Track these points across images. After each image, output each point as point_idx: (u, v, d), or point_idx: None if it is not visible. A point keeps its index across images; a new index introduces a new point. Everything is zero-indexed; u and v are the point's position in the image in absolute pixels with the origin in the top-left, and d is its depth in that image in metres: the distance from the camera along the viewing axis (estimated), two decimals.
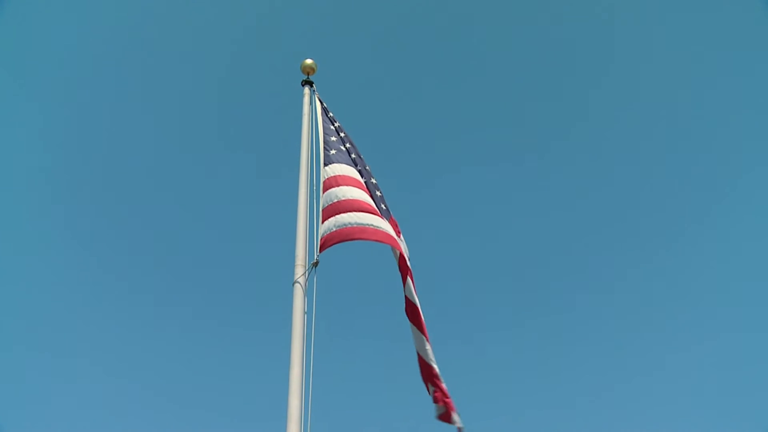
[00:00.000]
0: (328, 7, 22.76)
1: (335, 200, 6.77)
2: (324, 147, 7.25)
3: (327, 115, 7.72)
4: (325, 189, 6.86)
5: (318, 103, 7.77)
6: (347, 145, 7.51)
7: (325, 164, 7.09)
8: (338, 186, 6.90)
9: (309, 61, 8.01)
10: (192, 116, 21.95)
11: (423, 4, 23.26)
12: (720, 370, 17.34)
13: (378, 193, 7.25)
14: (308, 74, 7.95)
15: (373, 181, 7.38)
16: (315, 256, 6.40)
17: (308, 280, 6.39)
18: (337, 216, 6.63)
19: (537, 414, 17.42)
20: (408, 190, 21.80)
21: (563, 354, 19.26)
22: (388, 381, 18.24)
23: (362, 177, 7.25)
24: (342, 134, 7.64)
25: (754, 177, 19.39)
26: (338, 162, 7.16)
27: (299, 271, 6.43)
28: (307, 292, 6.34)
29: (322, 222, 6.61)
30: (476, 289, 20.90)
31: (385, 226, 6.75)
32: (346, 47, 23.14)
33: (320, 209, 6.74)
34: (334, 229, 6.52)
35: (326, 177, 6.98)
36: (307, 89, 7.87)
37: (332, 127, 7.62)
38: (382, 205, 7.15)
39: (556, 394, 18.08)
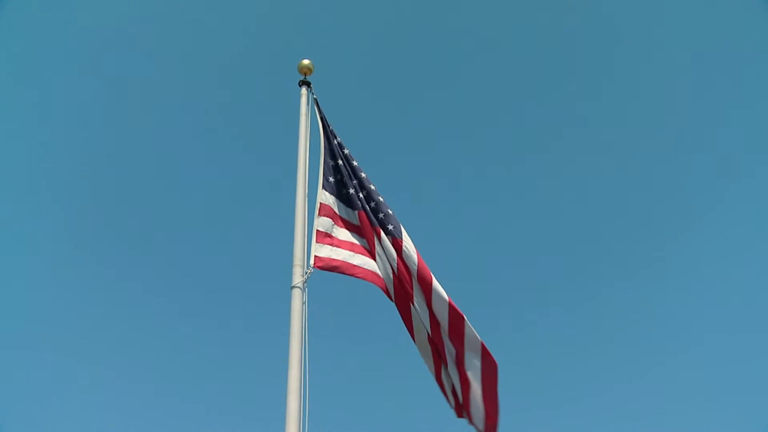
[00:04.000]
0: (326, 6, 22.78)
1: (332, 233, 6.94)
2: (324, 165, 7.30)
3: (328, 129, 7.61)
4: (321, 214, 6.93)
5: (317, 112, 7.70)
6: (348, 170, 7.41)
7: (324, 188, 7.14)
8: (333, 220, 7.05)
9: (306, 62, 7.99)
10: (188, 116, 21.98)
11: (423, 3, 23.27)
12: (720, 370, 17.37)
13: (377, 202, 7.26)
14: (305, 75, 7.93)
15: (373, 186, 7.38)
16: (309, 265, 6.50)
17: (306, 281, 6.42)
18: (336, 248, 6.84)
19: (536, 414, 17.45)
20: (406, 191, 21.81)
21: (562, 354, 19.30)
22: (388, 382, 18.27)
23: (361, 204, 7.24)
24: (345, 152, 7.53)
25: (755, 177, 19.43)
26: (333, 194, 7.23)
27: (297, 272, 6.45)
28: (305, 293, 6.36)
29: (317, 241, 6.72)
30: (477, 290, 20.92)
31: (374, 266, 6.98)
32: (344, 47, 23.16)
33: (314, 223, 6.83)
34: (338, 259, 6.75)
35: (324, 201, 7.05)
36: (304, 90, 7.84)
37: (332, 146, 7.52)
38: (381, 214, 7.15)
39: (556, 394, 18.12)
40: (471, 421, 6.70)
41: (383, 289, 6.92)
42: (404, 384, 17.58)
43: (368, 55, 23.38)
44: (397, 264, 6.86)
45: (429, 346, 6.88)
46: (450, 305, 6.63)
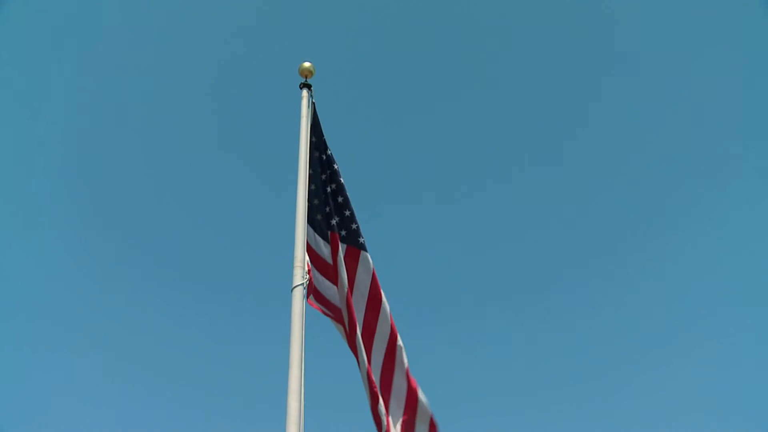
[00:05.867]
0: (327, 9, 22.81)
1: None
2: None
3: (321, 140, 7.58)
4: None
5: (311, 119, 7.66)
6: (336, 184, 7.40)
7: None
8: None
9: (307, 64, 8.01)
10: (189, 118, 22.00)
11: (424, 7, 23.30)
12: (720, 371, 17.40)
13: (347, 213, 7.29)
14: (306, 77, 7.95)
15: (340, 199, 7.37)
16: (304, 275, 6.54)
17: (307, 282, 6.46)
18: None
19: (536, 414, 17.47)
20: (403, 195, 21.86)
21: (563, 356, 19.34)
22: None
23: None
24: (335, 167, 7.48)
25: (755, 176, 19.46)
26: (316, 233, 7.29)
27: (298, 273, 6.47)
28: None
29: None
30: (477, 291, 20.95)
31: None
32: (345, 50, 23.18)
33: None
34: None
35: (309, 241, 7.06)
36: (305, 92, 7.85)
37: (326, 157, 7.50)
38: (353, 226, 7.19)
39: (557, 396, 18.15)
40: None
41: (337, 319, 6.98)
42: None
43: (369, 58, 23.42)
44: (355, 281, 6.99)
45: (366, 379, 6.67)
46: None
